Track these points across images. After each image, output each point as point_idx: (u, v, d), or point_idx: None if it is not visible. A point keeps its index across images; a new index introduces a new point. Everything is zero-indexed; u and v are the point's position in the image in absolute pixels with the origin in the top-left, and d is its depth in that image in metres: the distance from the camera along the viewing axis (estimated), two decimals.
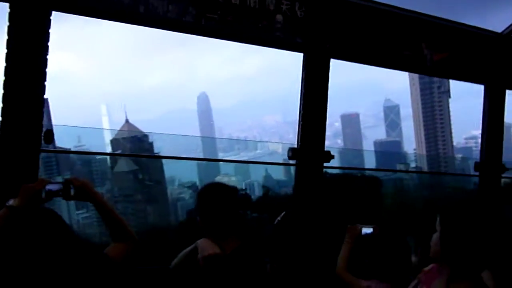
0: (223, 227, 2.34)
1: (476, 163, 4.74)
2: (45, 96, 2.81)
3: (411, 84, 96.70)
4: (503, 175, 4.77)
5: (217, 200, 2.36)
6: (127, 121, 69.68)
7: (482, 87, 4.73)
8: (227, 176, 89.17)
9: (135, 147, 63.06)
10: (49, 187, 2.13)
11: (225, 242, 2.31)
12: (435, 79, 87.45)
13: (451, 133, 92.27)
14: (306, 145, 3.65)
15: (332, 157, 3.76)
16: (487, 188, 4.68)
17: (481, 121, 4.75)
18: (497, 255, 2.25)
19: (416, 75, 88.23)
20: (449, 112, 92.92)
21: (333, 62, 3.71)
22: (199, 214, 2.39)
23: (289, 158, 3.72)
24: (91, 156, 71.10)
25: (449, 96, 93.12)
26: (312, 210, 3.67)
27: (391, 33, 3.93)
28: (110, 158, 65.37)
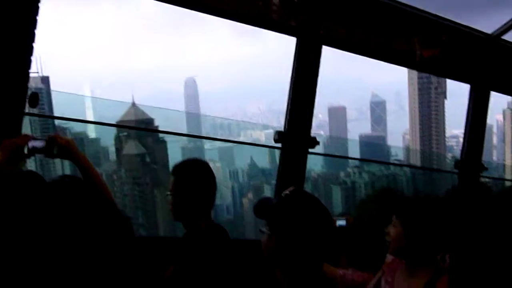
0: (199, 205, 2.34)
1: (456, 161, 4.84)
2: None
3: (410, 83, 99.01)
4: (481, 174, 4.88)
5: (196, 176, 2.35)
6: (133, 104, 69.35)
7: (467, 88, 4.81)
8: (212, 162, 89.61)
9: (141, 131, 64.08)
10: (32, 143, 2.05)
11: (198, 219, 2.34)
12: (433, 79, 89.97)
13: (444, 132, 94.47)
14: (292, 129, 3.68)
15: (317, 143, 3.80)
16: (466, 186, 4.78)
17: (464, 121, 4.84)
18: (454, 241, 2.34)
19: (415, 74, 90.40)
20: (444, 112, 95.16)
21: (323, 54, 3.73)
22: (175, 189, 2.36)
23: (275, 141, 3.74)
24: (84, 136, 71.64)
25: (445, 97, 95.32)
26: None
27: (384, 25, 3.96)
28: (115, 139, 66.33)
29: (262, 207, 1.78)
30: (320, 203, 1.68)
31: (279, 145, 3.77)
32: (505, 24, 4.42)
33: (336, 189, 76.64)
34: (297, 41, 3.63)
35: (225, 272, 2.22)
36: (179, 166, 2.41)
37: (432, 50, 4.20)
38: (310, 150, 3.84)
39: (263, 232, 1.68)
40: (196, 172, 2.37)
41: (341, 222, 3.37)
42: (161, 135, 69.03)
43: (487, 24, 4.63)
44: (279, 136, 3.68)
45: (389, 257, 2.82)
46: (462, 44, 4.44)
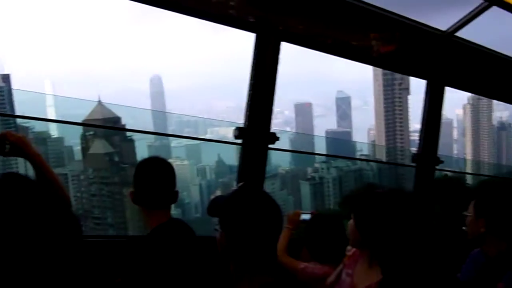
0: (157, 200, 2.34)
1: (413, 155, 4.97)
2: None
3: (375, 79, 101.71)
4: (437, 167, 5.03)
5: (156, 172, 2.36)
6: (99, 102, 67.70)
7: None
8: (179, 160, 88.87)
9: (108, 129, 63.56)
10: None
11: (159, 212, 2.33)
12: (397, 76, 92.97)
13: (408, 127, 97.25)
14: (252, 125, 3.69)
15: (277, 138, 3.82)
16: (423, 178, 4.92)
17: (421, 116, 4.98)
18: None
19: (380, 71, 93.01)
20: (407, 107, 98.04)
21: (289, 52, 3.76)
22: (135, 186, 2.38)
23: (235, 137, 3.75)
24: (47, 136, 70.24)
25: (409, 93, 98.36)
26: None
27: (342, 21, 4.02)
28: (81, 138, 65.38)
29: (213, 205, 1.79)
30: (269, 197, 1.69)
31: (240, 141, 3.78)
32: (458, 21, 4.55)
33: (305, 185, 77.55)
34: (256, 37, 3.64)
35: (173, 269, 2.22)
36: (138, 164, 2.44)
37: (389, 47, 4.30)
38: (271, 146, 3.87)
39: (216, 229, 1.70)
40: (146, 170, 2.38)
41: (306, 216, 3.42)
42: (128, 133, 67.94)
43: (442, 21, 4.76)
44: (239, 132, 3.69)
45: (350, 250, 2.88)
46: (418, 40, 4.55)
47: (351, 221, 2.36)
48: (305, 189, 76.93)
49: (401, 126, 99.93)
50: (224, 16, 3.44)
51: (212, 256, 2.33)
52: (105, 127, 56.47)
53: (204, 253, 2.40)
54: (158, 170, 2.38)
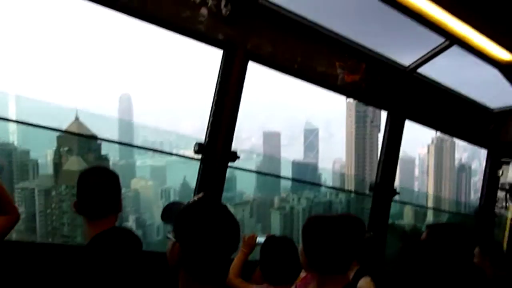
0: (97, 208, 2.30)
1: (371, 185, 5.05)
2: None
3: (348, 115, 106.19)
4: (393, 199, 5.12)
5: (95, 181, 2.33)
6: (77, 119, 66.77)
7: None
8: (143, 180, 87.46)
9: (83, 146, 64.24)
10: None
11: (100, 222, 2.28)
12: (369, 113, 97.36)
13: (377, 161, 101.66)
14: (213, 141, 3.67)
15: (238, 157, 3.81)
16: (378, 207, 4.99)
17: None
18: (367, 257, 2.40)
19: (353, 108, 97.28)
20: (377, 143, 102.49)
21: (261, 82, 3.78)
22: (77, 196, 2.34)
23: (195, 152, 3.72)
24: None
25: (379, 130, 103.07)
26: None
27: (310, 47, 4.10)
28: (55, 154, 64.14)
29: (169, 212, 1.74)
30: (227, 211, 1.66)
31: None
32: (420, 58, 4.74)
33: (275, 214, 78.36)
34: (223, 54, 3.66)
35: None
36: (80, 174, 2.39)
37: (354, 76, 4.41)
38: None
39: (169, 238, 1.65)
40: (86, 179, 2.35)
41: (261, 239, 3.40)
42: (103, 152, 67.36)
43: (409, 57, 4.94)
44: (199, 147, 3.66)
45: (303, 273, 2.87)
46: (382, 73, 4.70)
47: (300, 245, 2.37)
48: (276, 218, 77.27)
49: (370, 160, 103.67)
50: (192, 31, 3.45)
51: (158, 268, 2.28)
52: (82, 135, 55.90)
53: (147, 263, 2.35)
54: (98, 178, 2.33)
